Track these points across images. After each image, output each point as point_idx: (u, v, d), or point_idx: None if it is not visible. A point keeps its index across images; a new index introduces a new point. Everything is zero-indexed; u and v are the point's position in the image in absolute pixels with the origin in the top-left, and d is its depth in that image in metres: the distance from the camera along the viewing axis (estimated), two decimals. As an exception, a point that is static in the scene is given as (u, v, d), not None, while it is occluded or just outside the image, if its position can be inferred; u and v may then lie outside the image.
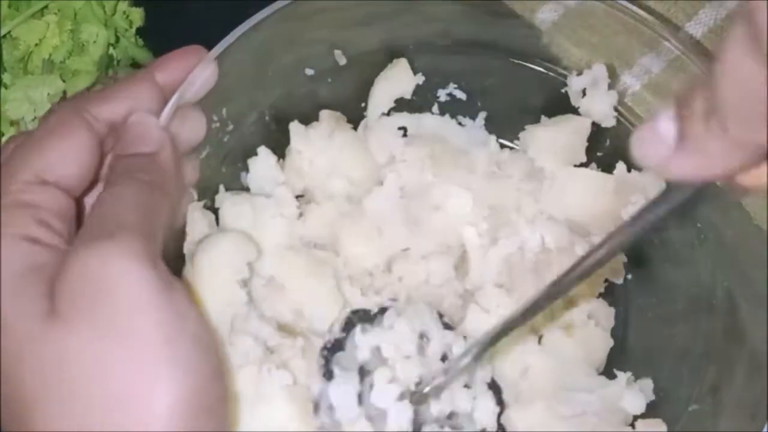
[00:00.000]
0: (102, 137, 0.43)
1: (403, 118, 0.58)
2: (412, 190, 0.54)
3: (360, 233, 0.52)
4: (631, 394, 0.50)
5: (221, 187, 0.53)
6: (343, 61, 0.55)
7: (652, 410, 0.51)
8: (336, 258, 0.53)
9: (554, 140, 0.56)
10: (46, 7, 0.61)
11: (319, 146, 0.54)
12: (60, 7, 0.61)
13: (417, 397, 0.47)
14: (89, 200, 0.44)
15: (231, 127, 0.51)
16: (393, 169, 0.54)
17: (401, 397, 0.47)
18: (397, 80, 0.58)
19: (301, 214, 0.53)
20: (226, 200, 0.52)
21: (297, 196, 0.53)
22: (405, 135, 0.58)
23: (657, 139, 0.30)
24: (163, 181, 0.42)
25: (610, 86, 0.55)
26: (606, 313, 0.54)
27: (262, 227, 0.52)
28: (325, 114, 0.55)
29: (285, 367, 0.47)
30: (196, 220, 0.50)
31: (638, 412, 0.50)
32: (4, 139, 0.60)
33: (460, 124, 0.59)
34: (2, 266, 0.37)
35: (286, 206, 0.52)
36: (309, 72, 0.55)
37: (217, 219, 0.52)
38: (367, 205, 0.53)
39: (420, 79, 0.58)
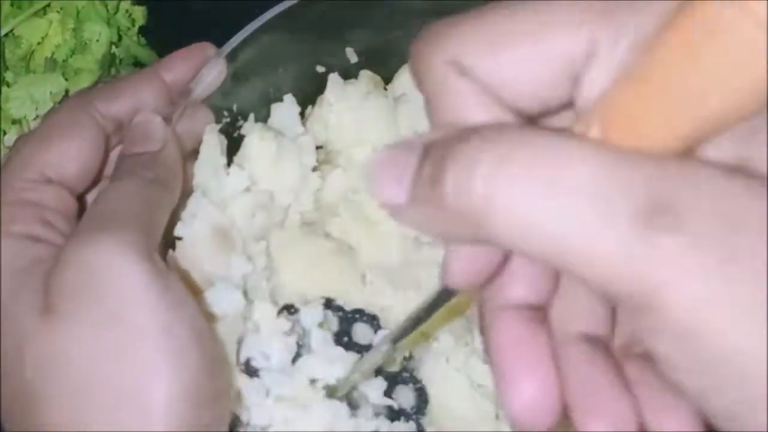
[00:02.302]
0: (108, 135, 0.43)
1: None
2: None
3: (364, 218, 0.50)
4: None
5: (251, 116, 0.51)
6: (354, 59, 0.55)
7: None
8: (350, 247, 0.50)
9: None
10: (48, 5, 0.61)
11: (351, 103, 0.53)
12: (62, 5, 0.61)
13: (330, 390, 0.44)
14: (92, 198, 0.44)
15: (242, 122, 0.51)
16: None
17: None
18: None
19: (316, 168, 0.51)
20: (254, 131, 0.50)
21: (316, 147, 0.52)
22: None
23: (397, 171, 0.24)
24: (166, 177, 0.42)
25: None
26: None
27: (282, 171, 0.49)
28: (365, 74, 0.54)
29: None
30: (211, 144, 0.47)
31: None
32: (6, 137, 0.59)
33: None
34: (2, 264, 0.37)
35: (306, 155, 0.50)
36: (320, 69, 0.55)
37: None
38: None
39: None
